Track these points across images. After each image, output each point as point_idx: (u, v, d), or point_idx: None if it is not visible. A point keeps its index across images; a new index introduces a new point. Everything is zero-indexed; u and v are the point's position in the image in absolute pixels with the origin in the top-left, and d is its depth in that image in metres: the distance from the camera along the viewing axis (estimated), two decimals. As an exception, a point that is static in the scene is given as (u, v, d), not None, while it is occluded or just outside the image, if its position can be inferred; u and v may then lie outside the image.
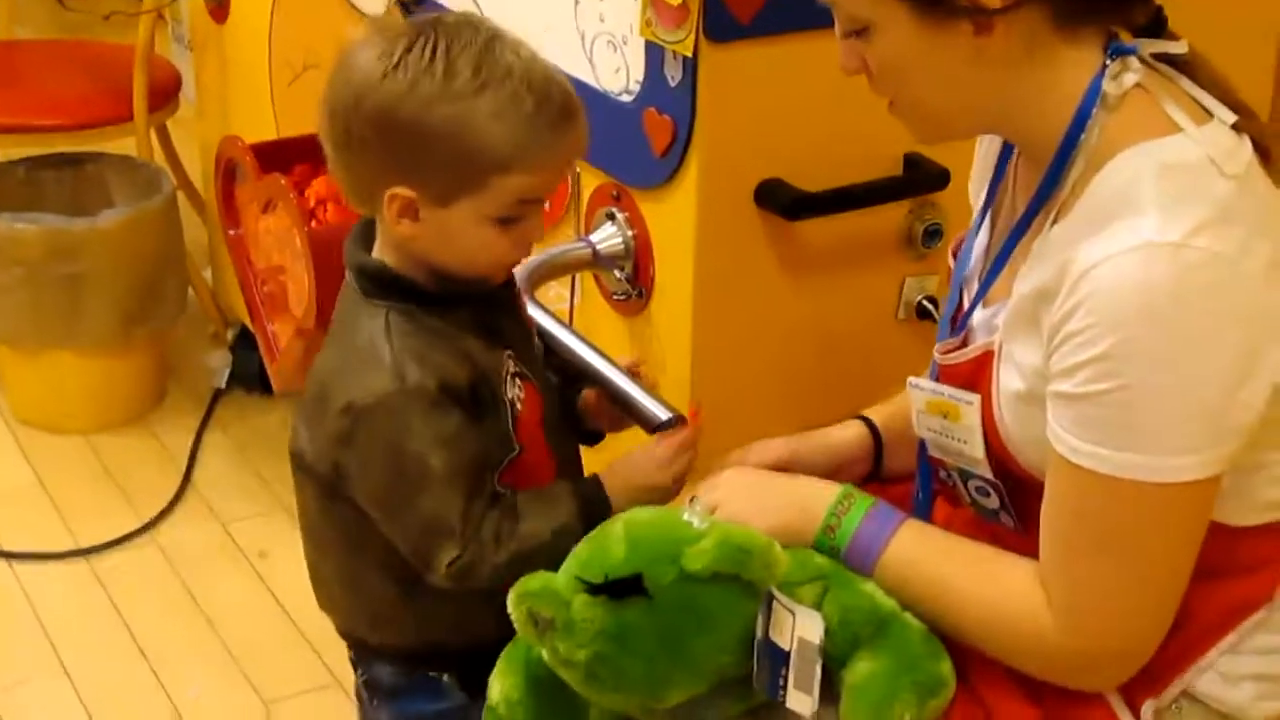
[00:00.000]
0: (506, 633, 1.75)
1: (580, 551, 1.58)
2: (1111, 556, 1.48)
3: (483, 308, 1.72)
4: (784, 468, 1.78)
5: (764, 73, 2.04)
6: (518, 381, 1.72)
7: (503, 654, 1.68)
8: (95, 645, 2.88)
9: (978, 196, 1.75)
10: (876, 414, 1.87)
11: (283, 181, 2.61)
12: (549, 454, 1.78)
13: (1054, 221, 1.52)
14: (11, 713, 2.72)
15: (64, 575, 3.06)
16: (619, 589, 1.52)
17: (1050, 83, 1.51)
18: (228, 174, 2.80)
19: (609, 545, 1.56)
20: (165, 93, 3.70)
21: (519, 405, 1.72)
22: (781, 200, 2.08)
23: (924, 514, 1.74)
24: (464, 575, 1.67)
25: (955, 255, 1.74)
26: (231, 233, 2.79)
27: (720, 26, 1.98)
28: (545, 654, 1.57)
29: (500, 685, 1.66)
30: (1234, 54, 1.59)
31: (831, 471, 1.79)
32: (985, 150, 1.75)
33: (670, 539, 1.55)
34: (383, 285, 1.69)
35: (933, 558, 1.61)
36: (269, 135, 3.07)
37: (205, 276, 3.76)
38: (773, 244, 2.14)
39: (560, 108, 1.63)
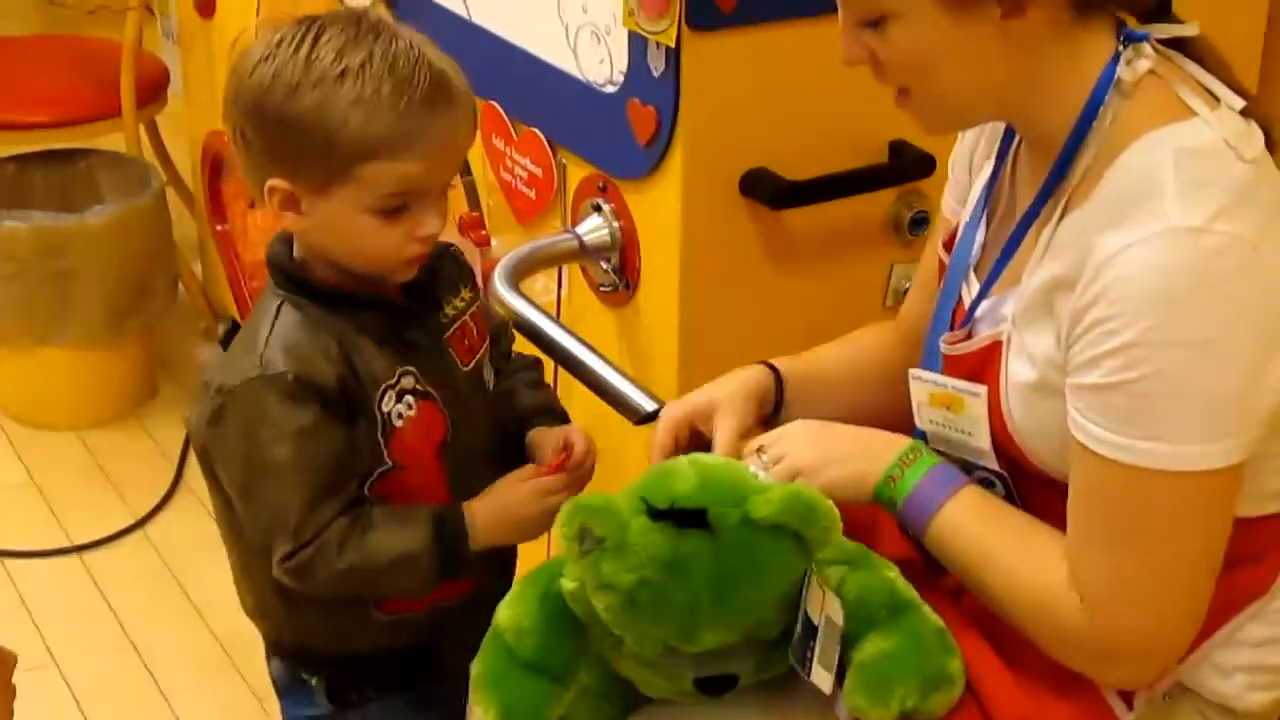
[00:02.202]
0: (379, 646, 1.76)
1: (645, 478, 1.55)
2: (1136, 547, 1.46)
3: (392, 318, 1.69)
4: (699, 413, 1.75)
5: (747, 62, 2.04)
6: (408, 399, 1.68)
7: (519, 582, 1.64)
8: (88, 641, 2.88)
9: (962, 182, 1.74)
10: (782, 362, 1.84)
11: (269, 176, 2.60)
12: (443, 478, 1.73)
13: (1065, 209, 1.51)
14: (5, 710, 2.72)
15: (56, 572, 3.07)
16: (682, 518, 1.49)
17: (1068, 68, 1.50)
18: (214, 169, 2.79)
19: (676, 476, 1.53)
20: (153, 88, 3.70)
21: (399, 421, 1.67)
22: (767, 189, 2.08)
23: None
24: (300, 574, 1.65)
25: (949, 248, 1.71)
26: (219, 228, 2.79)
27: (702, 16, 1.97)
28: (578, 576, 1.53)
29: (511, 612, 1.61)
30: (1221, 33, 1.58)
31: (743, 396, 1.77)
32: (974, 139, 1.73)
33: (738, 482, 1.53)
34: (284, 276, 1.69)
35: (980, 526, 1.57)
36: (256, 129, 3.06)
37: (195, 271, 3.75)
38: (759, 233, 2.13)
39: (425, 94, 1.58)
